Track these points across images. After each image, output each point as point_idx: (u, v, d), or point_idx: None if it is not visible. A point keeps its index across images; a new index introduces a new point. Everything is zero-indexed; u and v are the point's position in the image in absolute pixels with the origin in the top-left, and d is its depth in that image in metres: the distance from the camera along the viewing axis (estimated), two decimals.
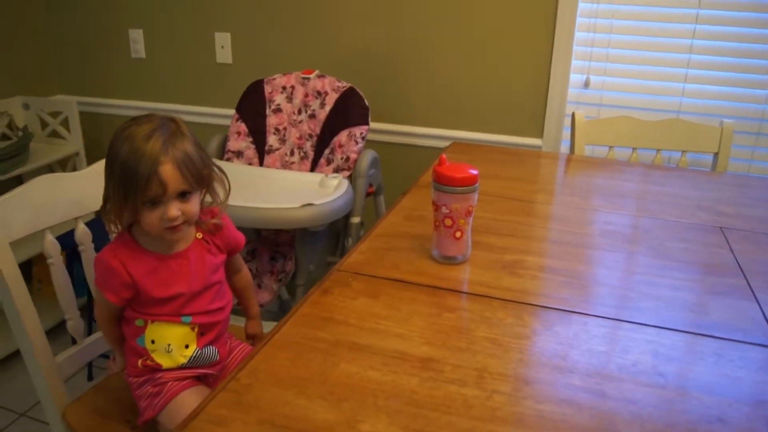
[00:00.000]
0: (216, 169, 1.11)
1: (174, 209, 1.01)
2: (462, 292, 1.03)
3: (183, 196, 1.02)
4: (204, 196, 1.11)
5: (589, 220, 1.34)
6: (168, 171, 0.98)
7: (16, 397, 2.11)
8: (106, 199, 1.06)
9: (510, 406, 0.76)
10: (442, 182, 1.06)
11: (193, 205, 1.04)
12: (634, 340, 0.90)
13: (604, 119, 1.87)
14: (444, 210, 1.07)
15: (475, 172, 1.07)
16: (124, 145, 0.99)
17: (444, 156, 1.09)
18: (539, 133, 2.07)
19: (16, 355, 2.23)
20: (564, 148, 2.08)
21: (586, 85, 2.02)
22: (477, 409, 0.76)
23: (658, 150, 1.84)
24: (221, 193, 1.13)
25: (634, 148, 1.85)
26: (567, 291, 1.04)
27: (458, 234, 1.09)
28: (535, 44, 1.99)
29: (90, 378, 2.18)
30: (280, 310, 2.06)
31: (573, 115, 1.85)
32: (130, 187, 0.99)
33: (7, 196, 1.18)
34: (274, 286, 1.84)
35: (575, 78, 2.02)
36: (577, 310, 0.98)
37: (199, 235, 1.13)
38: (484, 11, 2.00)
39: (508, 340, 0.90)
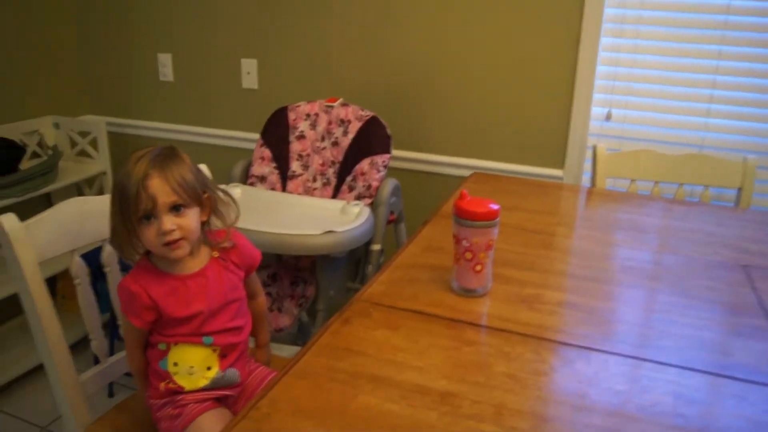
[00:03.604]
0: (221, 194, 1.14)
1: (168, 223, 1.03)
2: (481, 326, 1.03)
3: (176, 210, 1.04)
4: (209, 217, 1.13)
5: (610, 255, 1.34)
6: (155, 184, 1.01)
7: (38, 411, 2.14)
8: (112, 228, 1.09)
9: None
10: (463, 216, 1.07)
11: (189, 220, 1.06)
12: (654, 380, 0.90)
13: (625, 152, 1.87)
14: (465, 243, 1.08)
15: (495, 206, 1.08)
16: (122, 171, 1.04)
17: (465, 190, 1.10)
18: (560, 165, 2.08)
19: (39, 368, 2.27)
20: (585, 180, 2.08)
21: (608, 118, 2.02)
22: None
23: (680, 184, 1.84)
24: (228, 216, 1.14)
25: (656, 182, 1.85)
26: (586, 327, 1.04)
27: (478, 267, 1.09)
28: (558, 76, 2.00)
29: (110, 395, 2.20)
30: (299, 333, 2.07)
31: (594, 147, 1.85)
32: (124, 207, 1.02)
33: (37, 217, 1.21)
34: (294, 311, 1.86)
35: (597, 111, 2.03)
36: (596, 348, 0.98)
37: (216, 254, 1.15)
38: (507, 42, 2.02)
39: (526, 376, 0.90)
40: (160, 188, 1.02)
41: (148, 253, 1.12)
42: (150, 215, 1.03)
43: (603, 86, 2.00)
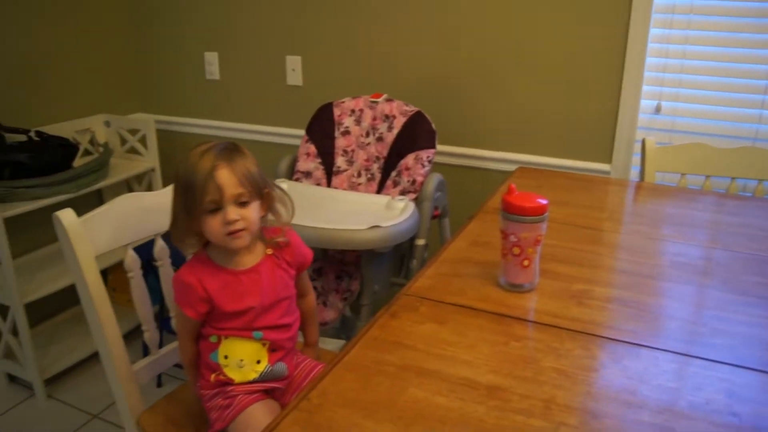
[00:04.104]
0: (278, 191, 1.16)
1: (233, 213, 1.06)
2: (529, 321, 1.03)
3: (241, 202, 1.07)
4: (266, 213, 1.15)
5: (659, 250, 1.32)
6: (223, 175, 1.04)
7: (90, 399, 2.21)
8: (173, 219, 1.12)
9: None
10: (511, 211, 1.07)
11: (252, 213, 1.09)
12: (706, 378, 0.89)
13: (675, 146, 1.83)
14: (512, 238, 1.08)
15: (544, 201, 1.07)
16: (185, 163, 1.07)
17: (513, 185, 1.10)
18: (608, 159, 2.05)
19: (90, 359, 2.34)
20: (633, 174, 2.04)
21: (658, 110, 1.99)
22: None
23: (732, 178, 1.79)
24: (284, 213, 1.17)
25: (707, 176, 1.80)
26: (636, 323, 1.02)
27: (526, 262, 1.09)
28: (605, 68, 1.97)
29: (159, 385, 2.26)
30: (342, 327, 2.09)
31: (643, 141, 1.82)
32: (190, 198, 1.05)
33: (93, 213, 1.25)
34: (339, 305, 1.88)
35: (646, 103, 1.99)
36: (646, 344, 0.96)
37: (269, 251, 1.17)
38: (554, 34, 2.00)
39: (575, 372, 0.90)
40: (228, 180, 1.05)
41: (205, 247, 1.15)
42: (216, 206, 1.06)
43: (652, 78, 1.97)
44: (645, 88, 1.97)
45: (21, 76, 2.33)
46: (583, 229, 1.40)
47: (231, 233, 1.07)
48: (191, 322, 1.14)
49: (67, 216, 1.19)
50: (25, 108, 2.36)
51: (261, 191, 1.11)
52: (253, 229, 1.10)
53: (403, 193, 1.87)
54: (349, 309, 1.99)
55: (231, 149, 1.08)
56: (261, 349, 1.15)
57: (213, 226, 1.07)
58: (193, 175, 1.04)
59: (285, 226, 1.18)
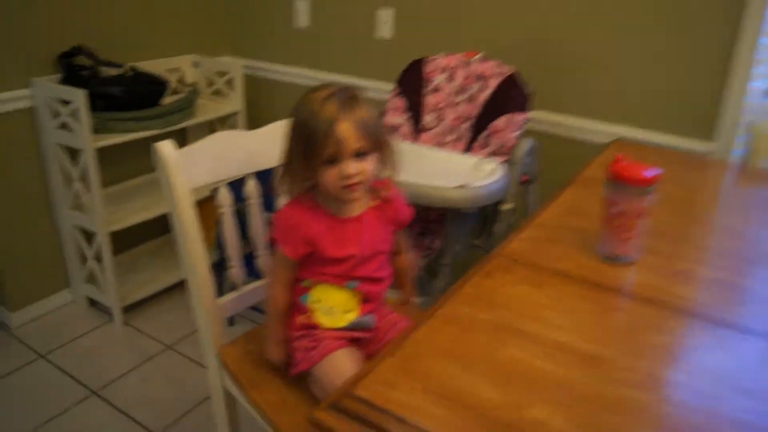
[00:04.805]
0: (392, 142, 1.14)
1: (351, 167, 1.04)
2: (629, 294, 1.00)
3: (359, 155, 1.05)
4: (380, 163, 1.13)
5: (764, 236, 1.25)
6: (345, 128, 1.02)
7: (164, 330, 2.29)
8: (285, 162, 1.11)
9: (681, 418, 0.74)
10: (618, 181, 1.03)
11: (370, 165, 1.07)
12: None
13: None
14: (616, 208, 1.04)
15: (654, 173, 1.03)
16: (304, 109, 1.05)
17: (621, 155, 1.06)
18: (710, 138, 1.95)
19: (168, 290, 2.43)
20: (738, 157, 1.94)
21: None
22: (647, 414, 0.74)
23: None
24: (394, 166, 1.15)
25: None
26: (742, 309, 0.98)
27: (628, 234, 1.05)
28: (714, 46, 1.86)
29: (231, 323, 2.31)
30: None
31: (756, 125, 1.72)
32: (309, 146, 1.04)
33: (190, 146, 1.26)
34: (420, 261, 1.87)
35: (757, 85, 1.87)
36: (753, 331, 0.92)
37: (374, 203, 1.16)
38: (660, 4, 1.90)
39: (679, 351, 0.87)
40: (349, 133, 1.03)
41: (310, 188, 1.14)
42: (334, 158, 1.04)
43: (766, 59, 1.84)
44: (757, 69, 1.85)
45: (119, 11, 2.38)
46: (685, 207, 1.34)
47: (347, 186, 1.06)
48: (288, 261, 1.14)
49: (165, 147, 1.21)
50: (120, 43, 2.41)
51: (379, 143, 1.09)
52: (368, 183, 1.09)
53: (491, 155, 1.83)
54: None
55: (352, 98, 1.05)
56: (352, 299, 1.16)
57: (330, 177, 1.05)
58: (314, 125, 1.02)
59: (391, 181, 1.16)
